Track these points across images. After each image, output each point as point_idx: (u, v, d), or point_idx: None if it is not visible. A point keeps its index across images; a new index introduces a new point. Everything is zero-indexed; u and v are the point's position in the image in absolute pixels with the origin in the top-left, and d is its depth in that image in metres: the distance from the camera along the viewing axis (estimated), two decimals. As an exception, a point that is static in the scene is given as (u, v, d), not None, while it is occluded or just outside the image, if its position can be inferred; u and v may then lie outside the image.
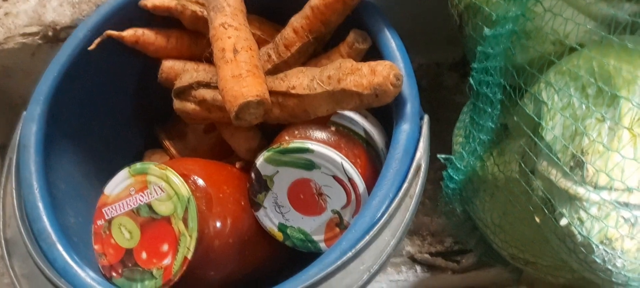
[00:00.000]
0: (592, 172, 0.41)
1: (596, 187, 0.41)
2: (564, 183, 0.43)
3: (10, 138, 0.71)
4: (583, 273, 0.49)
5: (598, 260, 0.43)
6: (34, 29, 0.65)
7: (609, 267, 0.43)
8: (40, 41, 0.66)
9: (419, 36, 0.78)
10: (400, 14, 0.71)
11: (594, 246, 0.43)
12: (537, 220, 0.49)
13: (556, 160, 0.44)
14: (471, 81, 0.50)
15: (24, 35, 0.65)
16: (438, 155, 0.61)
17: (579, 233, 0.43)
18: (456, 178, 0.59)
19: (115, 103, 0.60)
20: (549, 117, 0.45)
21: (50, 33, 0.65)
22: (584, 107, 0.42)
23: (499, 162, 0.55)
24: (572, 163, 0.42)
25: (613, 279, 0.45)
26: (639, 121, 0.39)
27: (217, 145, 0.62)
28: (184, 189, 0.44)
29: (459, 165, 0.58)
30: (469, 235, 0.71)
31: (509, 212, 0.56)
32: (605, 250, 0.42)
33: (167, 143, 0.62)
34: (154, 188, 0.45)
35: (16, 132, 0.52)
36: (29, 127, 0.51)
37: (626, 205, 0.40)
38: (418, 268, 0.80)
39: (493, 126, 0.52)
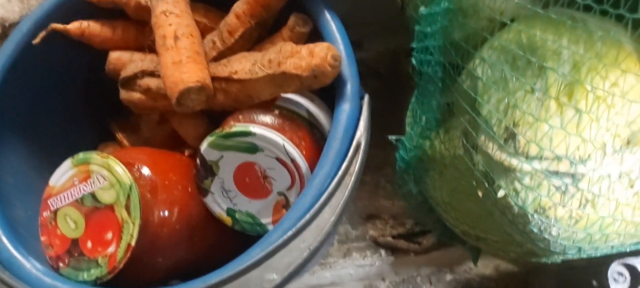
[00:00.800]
0: (523, 142, 0.42)
1: (528, 157, 0.42)
2: (499, 155, 0.44)
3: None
4: (527, 246, 0.50)
5: (535, 230, 0.45)
6: (-19, 26, 0.65)
7: (546, 236, 0.45)
8: (-13, 38, 0.65)
9: (376, 24, 0.79)
10: (355, 3, 0.73)
11: (529, 215, 0.44)
12: (480, 194, 0.50)
13: (492, 133, 0.45)
14: (413, 61, 0.51)
15: (-29, 32, 0.65)
16: (389, 137, 0.62)
17: (515, 204, 0.44)
18: (406, 158, 0.60)
19: (64, 97, 0.60)
20: (484, 92, 0.46)
21: (-1, 30, 0.65)
22: (514, 79, 0.43)
23: (444, 139, 0.56)
24: (505, 136, 0.44)
25: (551, 248, 0.46)
26: (565, 90, 0.40)
27: (170, 137, 0.62)
28: (125, 177, 0.44)
29: (408, 145, 0.59)
30: (427, 215, 0.72)
31: (456, 188, 0.57)
32: (540, 219, 0.43)
33: (119, 135, 0.62)
34: (97, 177, 0.45)
35: (-40, 128, 0.52)
36: (-26, 122, 0.51)
37: (556, 173, 0.41)
38: (382, 252, 0.81)
39: (436, 104, 0.53)
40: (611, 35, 0.39)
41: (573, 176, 0.41)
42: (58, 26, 0.55)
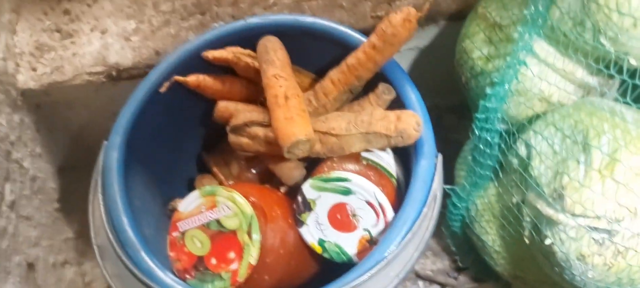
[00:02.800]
0: (570, 202, 0.53)
1: (573, 214, 0.53)
2: (547, 210, 0.55)
3: (67, 162, 0.82)
4: (562, 285, 0.61)
5: (575, 273, 0.56)
6: (99, 69, 0.76)
7: (583, 278, 0.55)
8: (104, 79, 0.76)
9: (424, 83, 0.91)
10: (410, 66, 0.85)
11: (571, 261, 0.55)
12: (526, 240, 0.61)
13: (542, 192, 0.56)
14: (474, 128, 0.63)
15: (90, 73, 0.76)
16: (444, 186, 0.73)
17: (560, 250, 0.55)
18: (459, 205, 0.72)
19: (175, 135, 0.71)
20: (536, 158, 0.57)
21: (113, 73, 0.76)
22: (564, 152, 0.54)
23: (495, 193, 0.67)
24: (554, 196, 0.55)
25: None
26: (606, 165, 0.51)
27: (255, 174, 0.73)
28: (248, 208, 0.55)
29: (462, 195, 0.70)
30: (467, 254, 0.83)
31: (503, 234, 0.68)
32: (580, 264, 0.54)
33: (215, 169, 0.73)
34: (223, 207, 0.56)
35: (99, 158, 0.62)
36: (112, 154, 0.61)
37: (596, 229, 0.52)
38: (421, 283, 0.91)
39: (491, 164, 0.64)
40: (642, 125, 0.51)
41: (609, 232, 0.52)
42: (180, 78, 0.66)
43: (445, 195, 0.73)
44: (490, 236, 0.69)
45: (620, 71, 0.52)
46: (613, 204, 0.50)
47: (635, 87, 0.49)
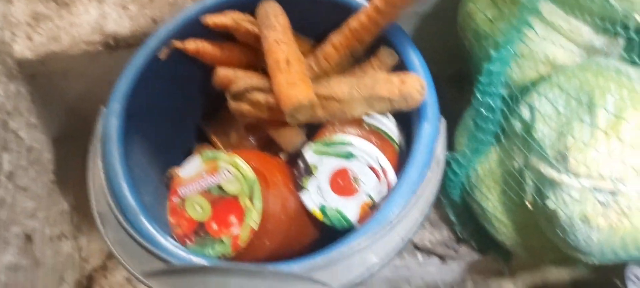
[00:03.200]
0: (574, 163, 0.52)
1: (577, 175, 0.53)
2: (550, 172, 0.55)
3: (62, 132, 0.81)
4: (566, 251, 0.61)
5: (578, 236, 0.55)
6: (97, 38, 0.75)
7: (588, 242, 0.55)
8: (101, 49, 0.75)
9: (427, 51, 0.90)
10: (411, 32, 0.84)
11: (575, 224, 0.54)
12: (529, 205, 0.60)
13: (545, 155, 0.55)
14: (476, 92, 0.62)
15: (87, 43, 0.75)
16: (445, 153, 0.73)
17: (563, 213, 0.55)
18: (459, 173, 0.71)
19: (174, 103, 0.70)
20: (540, 121, 0.57)
21: (111, 42, 0.75)
22: (568, 113, 0.54)
23: (497, 159, 0.67)
24: (558, 157, 0.54)
25: (591, 252, 0.57)
26: (611, 124, 0.51)
27: (254, 141, 0.73)
28: (250, 173, 0.55)
29: (462, 161, 0.70)
30: (467, 224, 0.82)
31: (505, 200, 0.68)
32: (584, 227, 0.54)
33: (214, 138, 0.72)
34: (224, 172, 0.56)
35: (98, 125, 0.62)
36: (111, 121, 0.61)
37: (600, 190, 0.52)
38: (419, 255, 0.91)
39: (493, 129, 0.64)
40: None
41: (613, 193, 0.51)
42: (179, 44, 0.65)
43: (446, 163, 0.73)
44: (491, 203, 0.68)
45: (626, 29, 0.51)
46: (618, 164, 0.50)
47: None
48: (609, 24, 0.51)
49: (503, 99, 0.61)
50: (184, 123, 0.73)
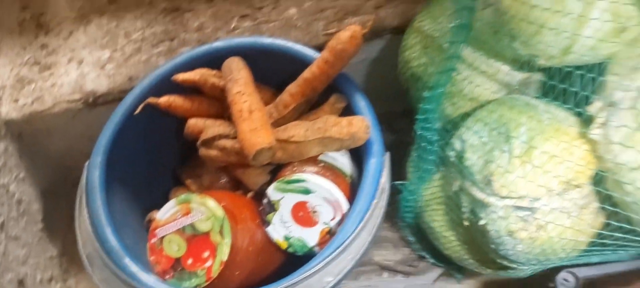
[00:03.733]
0: (497, 186, 0.61)
1: (500, 196, 0.61)
2: (480, 195, 0.64)
3: (49, 185, 0.88)
4: (501, 262, 0.70)
5: (508, 247, 0.64)
6: (77, 96, 0.82)
7: (514, 252, 0.64)
8: (81, 106, 0.83)
9: (377, 91, 0.99)
10: (362, 76, 0.93)
11: (502, 237, 0.63)
12: (466, 223, 0.69)
13: (474, 180, 0.64)
14: (415, 128, 0.71)
15: (68, 101, 0.82)
16: (394, 183, 0.81)
17: (493, 229, 0.63)
18: (410, 198, 0.80)
19: (151, 152, 0.78)
20: (469, 150, 0.66)
21: (90, 100, 0.82)
22: (490, 143, 0.63)
23: (438, 185, 0.75)
24: (485, 182, 0.63)
25: (518, 260, 0.65)
26: (524, 152, 0.60)
27: (224, 183, 0.80)
28: (219, 211, 0.62)
29: (411, 188, 0.79)
30: (421, 242, 0.91)
31: (448, 221, 0.76)
32: (509, 240, 0.63)
33: (188, 181, 0.80)
34: (196, 212, 0.63)
35: (83, 177, 0.69)
36: (94, 172, 0.68)
37: (520, 207, 0.61)
38: (385, 274, 0.99)
39: (433, 159, 0.73)
40: (554, 116, 0.60)
41: (531, 209, 0.60)
42: (153, 100, 0.73)
43: (398, 191, 0.82)
44: (437, 223, 0.77)
45: (532, 69, 0.61)
46: (532, 185, 0.59)
47: (551, 84, 0.58)
48: (518, 66, 0.61)
49: (439, 132, 0.70)
50: (161, 169, 0.81)
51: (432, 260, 0.91)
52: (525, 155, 0.60)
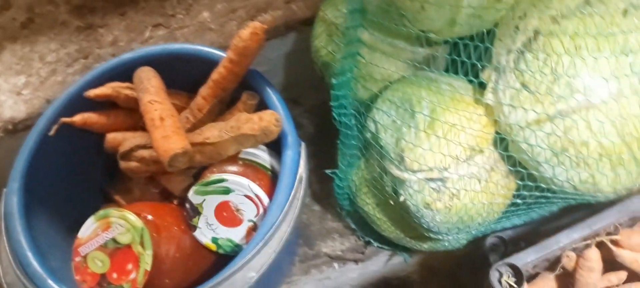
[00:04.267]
0: (408, 161, 0.62)
1: (412, 171, 0.63)
2: (397, 172, 0.65)
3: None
4: (429, 235, 0.71)
5: (428, 219, 0.65)
6: (-4, 125, 0.81)
7: (434, 223, 0.65)
8: (1, 134, 0.82)
9: (308, 84, 1.00)
10: (283, 71, 0.94)
11: (421, 211, 0.64)
12: (392, 202, 0.70)
13: (390, 158, 0.65)
14: (333, 114, 0.72)
15: (-13, 131, 0.81)
16: (325, 171, 0.82)
17: (411, 204, 0.65)
18: (341, 185, 0.81)
19: (74, 172, 0.77)
20: (382, 130, 0.67)
21: (10, 127, 0.81)
22: (399, 121, 0.64)
23: (365, 167, 0.77)
24: (398, 159, 0.64)
25: (440, 231, 0.67)
26: (428, 125, 0.61)
27: (156, 193, 0.80)
28: (138, 222, 0.62)
29: (340, 175, 0.79)
30: (364, 229, 0.92)
31: (379, 202, 0.77)
32: (427, 212, 0.64)
33: (117, 197, 0.79)
34: (116, 226, 0.63)
35: (0, 205, 0.68)
36: (11, 199, 0.67)
37: (431, 179, 0.62)
38: (335, 264, 1.00)
39: (355, 143, 0.74)
40: (453, 88, 0.61)
41: (442, 180, 0.62)
42: (66, 120, 0.72)
43: (331, 179, 0.83)
44: (370, 206, 0.78)
45: (431, 45, 0.62)
46: (439, 156, 0.60)
47: (453, 58, 0.59)
48: (418, 42, 0.62)
49: (355, 117, 0.71)
50: (89, 188, 0.80)
51: (377, 244, 0.93)
52: (429, 127, 0.61)
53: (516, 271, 0.62)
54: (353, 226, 0.94)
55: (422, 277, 1.00)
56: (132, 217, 0.63)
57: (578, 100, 0.50)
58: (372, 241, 0.94)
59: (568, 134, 0.51)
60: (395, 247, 0.92)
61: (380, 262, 0.98)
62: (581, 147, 0.51)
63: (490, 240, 0.74)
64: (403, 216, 0.73)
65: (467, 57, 0.59)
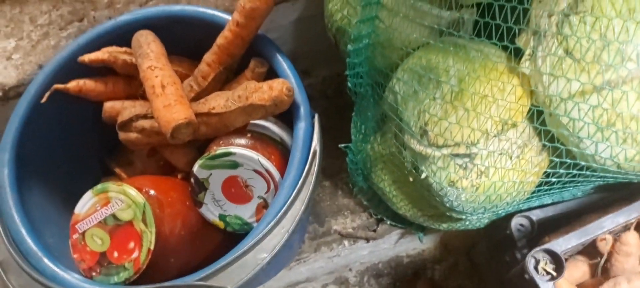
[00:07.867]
0: (433, 136, 0.58)
1: (437, 146, 0.58)
2: (419, 147, 0.60)
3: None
4: (450, 214, 0.66)
5: (452, 198, 0.61)
6: (-15, 91, 0.76)
7: (458, 202, 0.60)
8: (-9, 101, 0.76)
9: (320, 55, 0.94)
10: (304, 40, 0.88)
11: (445, 189, 0.60)
12: (411, 179, 0.65)
13: (412, 132, 0.60)
14: (348, 84, 0.67)
15: (-23, 98, 0.76)
16: (339, 145, 0.77)
17: (434, 181, 0.60)
18: (354, 160, 0.76)
19: (71, 143, 0.72)
20: (402, 102, 0.62)
21: (0, 93, 0.76)
22: (421, 92, 0.59)
23: (381, 142, 0.72)
24: (421, 133, 0.59)
25: (465, 211, 0.62)
26: (456, 96, 0.56)
27: (159, 166, 0.75)
28: (139, 197, 0.58)
29: (354, 150, 0.75)
30: (378, 206, 0.87)
31: (395, 179, 0.73)
32: (452, 190, 0.59)
33: (117, 170, 0.75)
34: (116, 201, 0.58)
35: (-10, 178, 0.63)
36: (2, 171, 0.62)
37: (457, 155, 0.57)
38: (346, 242, 0.96)
39: (371, 116, 0.69)
40: (484, 55, 0.56)
41: (469, 156, 0.57)
42: (59, 86, 0.67)
43: (343, 154, 0.78)
44: (386, 182, 0.73)
45: (458, 7, 0.56)
46: (467, 130, 0.55)
47: (484, 22, 0.54)
48: (445, 4, 0.56)
49: (373, 87, 0.66)
50: (87, 160, 0.75)
51: (390, 222, 0.88)
52: (456, 99, 0.56)
53: (555, 258, 0.57)
54: (365, 203, 0.90)
55: (435, 256, 0.97)
56: (132, 191, 0.58)
57: (629, 70, 0.45)
58: (385, 218, 0.90)
59: (616, 107, 0.46)
60: (409, 225, 0.88)
61: (391, 240, 0.94)
62: (630, 121, 0.47)
63: (516, 220, 0.69)
64: (422, 194, 0.68)
65: (502, 20, 0.54)
